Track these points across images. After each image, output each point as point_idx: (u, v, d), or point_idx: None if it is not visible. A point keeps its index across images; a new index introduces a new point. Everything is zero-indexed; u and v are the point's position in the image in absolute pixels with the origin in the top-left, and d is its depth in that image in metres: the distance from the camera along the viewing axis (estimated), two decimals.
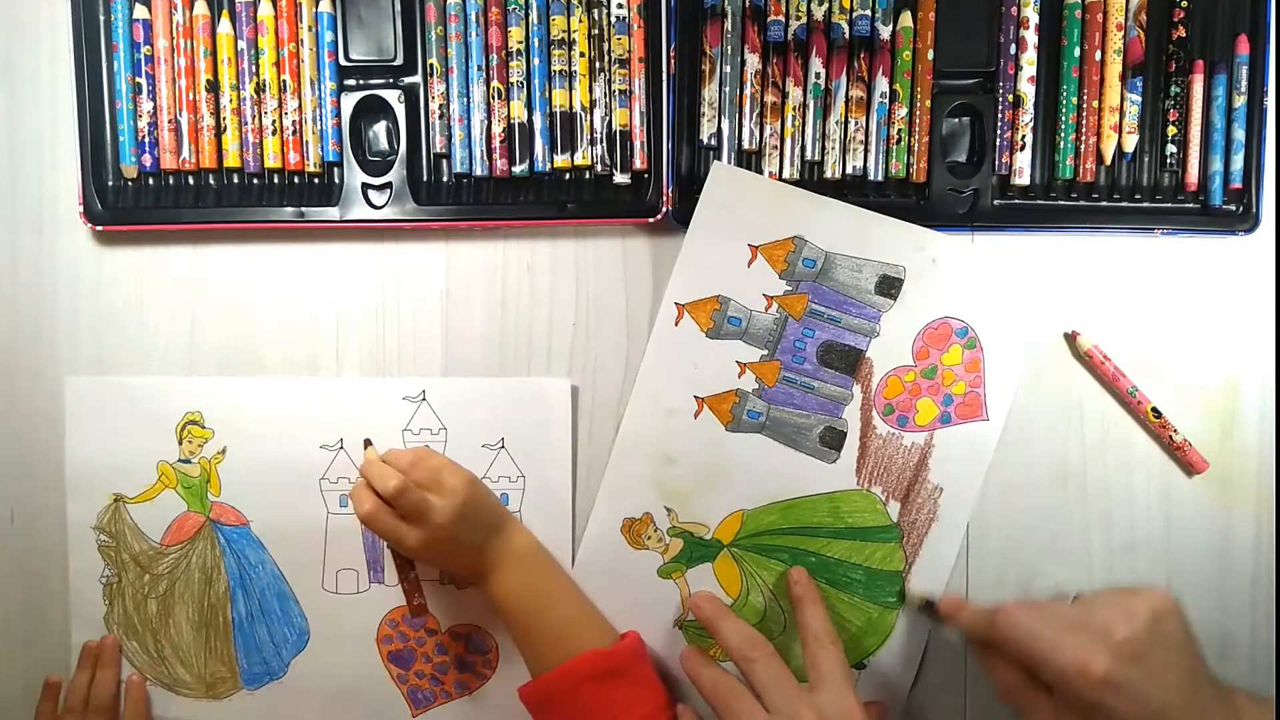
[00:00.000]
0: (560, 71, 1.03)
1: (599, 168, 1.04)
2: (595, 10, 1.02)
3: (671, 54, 1.01)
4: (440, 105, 1.03)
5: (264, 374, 1.08)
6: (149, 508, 1.09)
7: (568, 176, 1.05)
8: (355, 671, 1.09)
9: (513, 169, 1.04)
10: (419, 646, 1.09)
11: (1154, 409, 1.01)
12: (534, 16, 1.02)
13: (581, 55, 1.03)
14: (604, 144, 1.03)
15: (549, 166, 1.04)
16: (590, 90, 1.03)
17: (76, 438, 1.09)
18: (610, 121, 1.03)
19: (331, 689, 1.10)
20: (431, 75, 1.03)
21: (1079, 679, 0.80)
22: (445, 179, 1.06)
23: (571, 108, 1.03)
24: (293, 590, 1.09)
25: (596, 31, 1.02)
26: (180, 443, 1.09)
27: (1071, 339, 1.02)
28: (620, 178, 1.04)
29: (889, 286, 1.02)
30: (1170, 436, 1.02)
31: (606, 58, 1.02)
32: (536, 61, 1.03)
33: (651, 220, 1.03)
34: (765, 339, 1.03)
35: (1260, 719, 0.83)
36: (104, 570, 1.09)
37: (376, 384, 1.08)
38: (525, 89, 1.03)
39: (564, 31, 1.02)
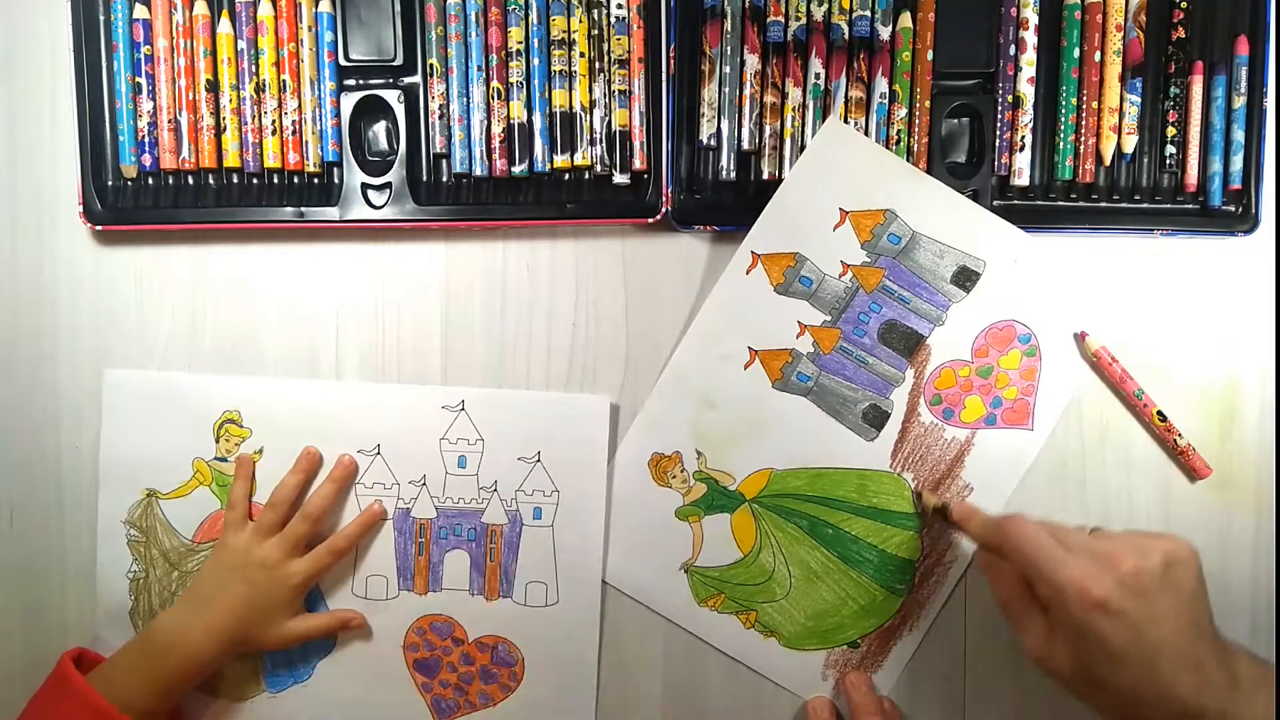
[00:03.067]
0: (560, 72, 1.04)
1: (599, 168, 1.04)
2: (595, 10, 1.03)
3: (671, 54, 1.02)
4: (440, 105, 1.04)
5: (268, 374, 1.09)
6: (182, 504, 1.10)
7: (567, 177, 1.06)
8: (380, 678, 1.10)
9: (512, 169, 1.04)
10: (445, 656, 1.10)
11: (1159, 412, 1.02)
12: (534, 17, 1.03)
13: (581, 55, 1.03)
14: (604, 144, 1.04)
15: (549, 167, 1.05)
16: (590, 90, 1.04)
17: (111, 430, 1.10)
18: (610, 122, 1.04)
19: (356, 695, 1.10)
20: (431, 75, 1.04)
21: (1076, 598, 0.78)
22: (445, 179, 1.07)
23: (571, 108, 1.04)
24: (322, 593, 1.10)
25: (596, 32, 1.03)
26: (217, 440, 1.09)
27: (1080, 339, 1.03)
28: (620, 178, 1.04)
29: (965, 278, 1.03)
30: (1175, 441, 1.02)
31: (606, 58, 1.03)
32: (536, 62, 1.03)
33: (651, 220, 1.04)
34: (832, 305, 1.04)
35: (1258, 683, 0.80)
36: (131, 565, 1.10)
37: (416, 391, 1.08)
38: (525, 89, 1.04)
39: (564, 32, 1.03)
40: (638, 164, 1.04)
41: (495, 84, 1.04)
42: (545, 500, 1.08)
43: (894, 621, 1.06)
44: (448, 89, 1.04)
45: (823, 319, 1.04)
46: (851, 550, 1.05)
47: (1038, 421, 1.04)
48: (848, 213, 1.03)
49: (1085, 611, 0.78)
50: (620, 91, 1.03)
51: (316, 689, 1.10)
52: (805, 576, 1.06)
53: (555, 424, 1.08)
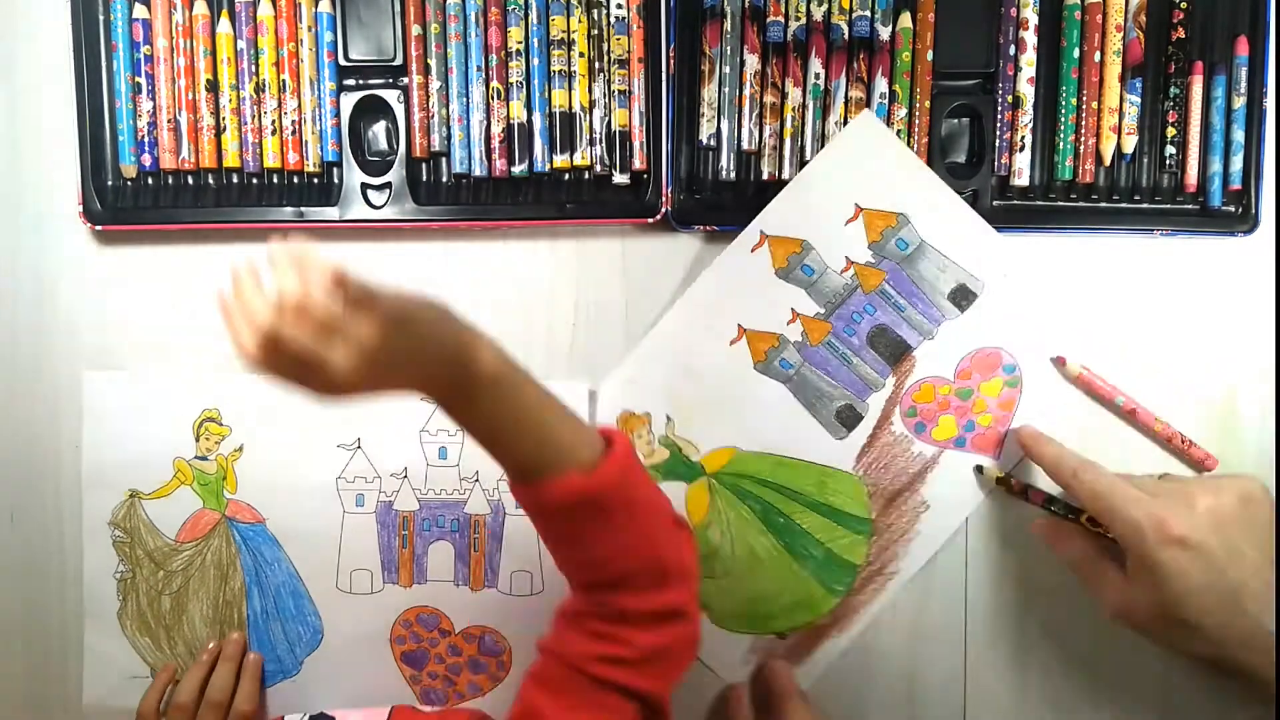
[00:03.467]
0: (560, 71, 1.05)
1: (598, 168, 1.05)
2: (594, 10, 1.04)
3: (671, 55, 1.03)
4: (436, 104, 1.05)
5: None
6: (164, 504, 1.11)
7: (567, 177, 1.07)
8: (368, 671, 1.11)
9: (512, 169, 1.05)
10: (432, 647, 1.11)
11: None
12: (533, 17, 1.04)
13: (581, 55, 1.04)
14: (603, 144, 1.05)
15: (548, 167, 1.06)
16: (590, 90, 1.05)
17: (93, 433, 1.10)
18: (609, 121, 1.05)
19: (344, 688, 1.11)
20: (430, 74, 1.05)
21: (1154, 533, 0.78)
22: (445, 179, 1.08)
23: (571, 108, 1.05)
24: (307, 588, 1.11)
25: (596, 32, 1.04)
26: (197, 439, 1.10)
27: (1059, 364, 1.03)
28: (619, 178, 1.05)
29: (962, 296, 1.03)
30: (1178, 440, 1.03)
31: (606, 58, 1.04)
32: (536, 62, 1.04)
33: (651, 220, 1.04)
34: (828, 299, 1.04)
35: None
36: (118, 566, 1.11)
37: None
38: (525, 89, 1.05)
39: (563, 32, 1.04)
40: (637, 164, 1.04)
41: (495, 84, 1.04)
42: None
43: (826, 621, 1.07)
44: (447, 89, 1.05)
45: (817, 310, 1.04)
46: (799, 543, 1.06)
47: (1006, 454, 1.05)
48: (862, 209, 1.03)
49: (1165, 547, 0.78)
50: (620, 91, 1.04)
51: (305, 683, 1.12)
52: (748, 559, 1.07)
53: None
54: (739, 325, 1.05)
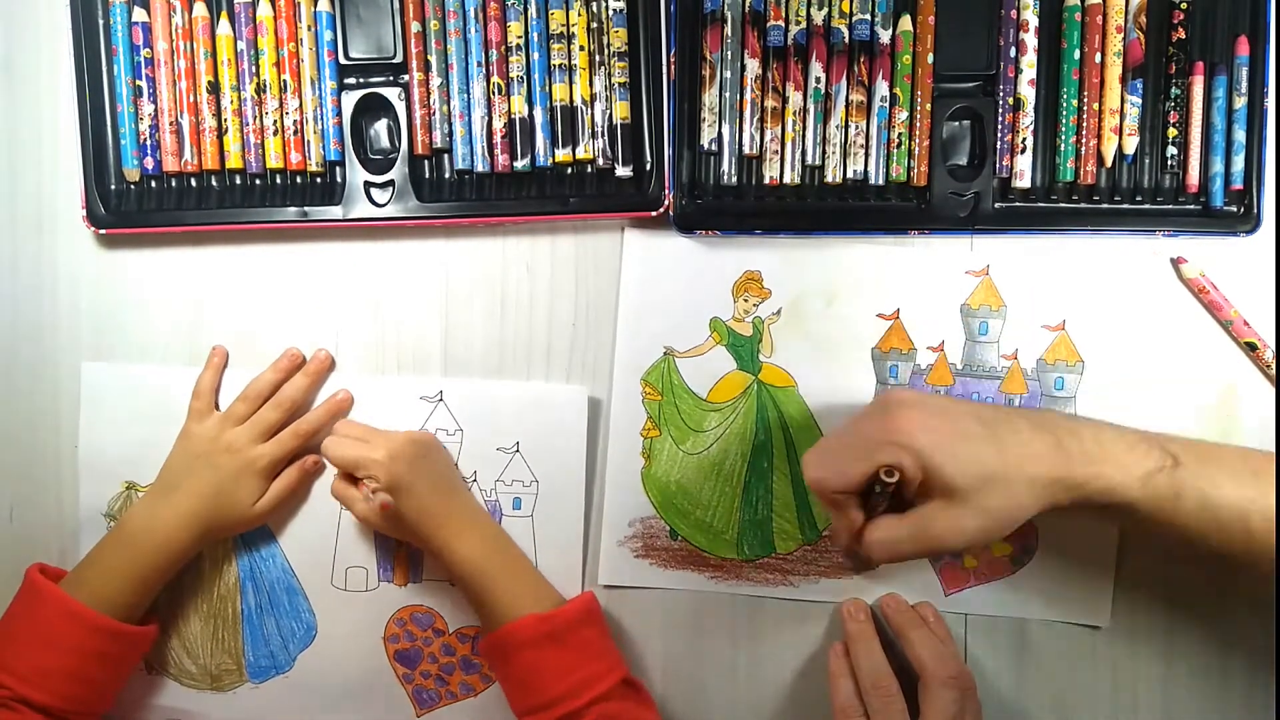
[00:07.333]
0: (560, 65, 1.09)
1: (600, 161, 1.10)
2: (594, 3, 1.09)
3: (671, 59, 1.08)
4: (437, 100, 1.11)
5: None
6: None
7: (569, 171, 1.12)
8: (361, 669, 1.17)
9: (514, 164, 1.10)
10: (425, 646, 1.16)
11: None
12: (533, 11, 1.09)
13: (581, 49, 1.09)
14: (605, 137, 1.10)
15: (550, 161, 1.10)
16: (590, 84, 1.10)
17: (91, 423, 1.16)
18: (611, 115, 1.10)
19: (337, 686, 1.17)
20: (431, 71, 1.10)
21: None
22: (447, 176, 1.13)
23: (572, 102, 1.10)
24: (301, 585, 1.16)
25: (596, 25, 1.09)
26: None
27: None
28: (622, 170, 1.10)
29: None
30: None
31: (606, 50, 1.09)
32: (536, 56, 1.09)
33: (654, 214, 1.09)
34: (971, 366, 1.12)
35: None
36: None
37: (394, 382, 1.15)
38: (525, 84, 1.10)
39: (563, 25, 1.09)
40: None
41: (496, 79, 1.10)
42: (524, 490, 1.14)
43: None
44: (448, 85, 1.10)
45: (954, 363, 1.12)
46: (756, 490, 1.14)
47: None
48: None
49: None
50: (620, 84, 1.09)
51: (298, 679, 1.17)
52: (712, 463, 1.14)
53: (534, 414, 1.14)
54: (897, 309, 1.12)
